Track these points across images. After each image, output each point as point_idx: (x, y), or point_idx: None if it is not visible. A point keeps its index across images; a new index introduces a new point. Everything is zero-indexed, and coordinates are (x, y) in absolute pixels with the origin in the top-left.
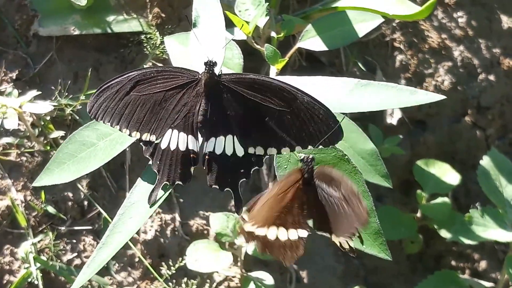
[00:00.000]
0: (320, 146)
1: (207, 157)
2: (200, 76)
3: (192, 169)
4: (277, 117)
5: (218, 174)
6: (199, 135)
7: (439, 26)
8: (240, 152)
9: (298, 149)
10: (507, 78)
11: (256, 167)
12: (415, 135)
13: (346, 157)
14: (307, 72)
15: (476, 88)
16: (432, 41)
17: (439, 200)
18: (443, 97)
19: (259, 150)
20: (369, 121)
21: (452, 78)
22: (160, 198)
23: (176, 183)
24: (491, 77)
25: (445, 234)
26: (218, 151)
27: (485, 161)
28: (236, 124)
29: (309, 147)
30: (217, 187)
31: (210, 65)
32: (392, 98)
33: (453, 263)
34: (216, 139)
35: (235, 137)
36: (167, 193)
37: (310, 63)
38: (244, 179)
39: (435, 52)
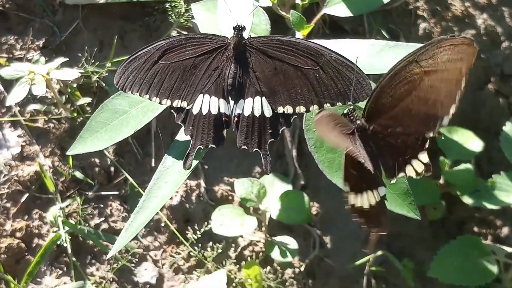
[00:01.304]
0: (349, 103)
1: (235, 119)
2: (229, 41)
3: (224, 132)
4: (305, 75)
5: (246, 135)
6: (230, 98)
7: None
8: (268, 112)
9: (327, 106)
10: None
11: (284, 127)
12: None
13: None
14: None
15: (499, 56)
16: (456, 9)
17: (462, 166)
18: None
19: (288, 109)
20: None
21: (476, 46)
22: (194, 162)
23: (209, 146)
24: None
25: (467, 200)
26: (247, 113)
27: (508, 127)
28: (265, 85)
29: (338, 103)
30: (246, 147)
31: (239, 29)
32: None
33: (475, 229)
34: (245, 101)
35: (263, 98)
36: (200, 159)
37: (334, 31)
38: (272, 139)
39: (459, 20)
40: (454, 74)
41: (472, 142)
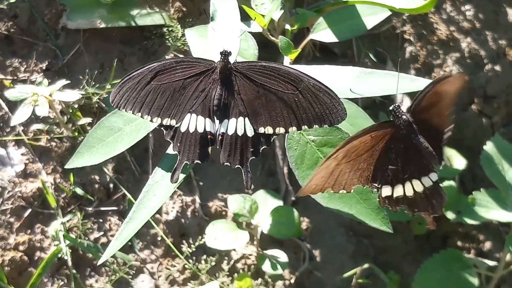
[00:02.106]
0: (325, 126)
1: (220, 137)
2: (216, 65)
3: (209, 149)
4: (285, 99)
5: (229, 152)
6: (215, 118)
7: (447, 18)
8: (250, 132)
9: (304, 128)
10: None
11: (265, 146)
12: None
13: None
14: (320, 63)
15: (482, 78)
16: (441, 33)
17: (446, 183)
18: None
19: (268, 130)
20: (380, 109)
21: (460, 69)
22: (181, 176)
23: (195, 161)
24: (497, 68)
25: (450, 215)
26: (230, 132)
27: (489, 147)
28: (248, 107)
29: (315, 126)
30: (228, 164)
31: (225, 54)
32: (394, 85)
33: (459, 243)
34: (229, 121)
35: (246, 118)
36: (187, 174)
37: (324, 54)
38: (253, 157)
39: (444, 43)
40: (449, 99)
41: (456, 160)
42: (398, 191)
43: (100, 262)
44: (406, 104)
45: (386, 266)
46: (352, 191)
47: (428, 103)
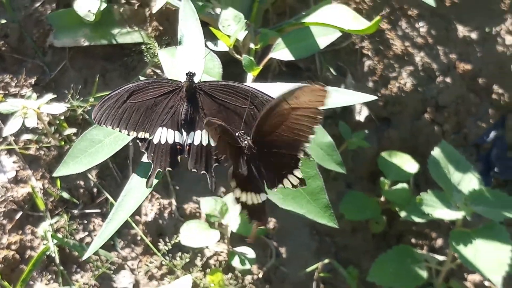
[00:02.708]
0: None
1: (187, 147)
2: (182, 84)
3: (179, 157)
4: (243, 113)
5: (196, 160)
6: (183, 131)
7: (402, 35)
8: (213, 142)
9: None
10: (462, 81)
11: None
12: (381, 130)
13: None
14: (286, 77)
15: (434, 89)
16: (396, 48)
17: (400, 186)
18: (374, 97)
19: None
20: (340, 118)
21: (414, 81)
22: (155, 182)
23: (167, 169)
24: (448, 80)
25: (402, 214)
26: (196, 142)
27: (436, 152)
28: None
29: None
30: (195, 170)
31: (190, 75)
32: (338, 99)
33: (412, 240)
34: (195, 133)
35: None
36: (163, 180)
37: (290, 69)
38: (216, 164)
39: (399, 58)
40: (313, 111)
41: (409, 164)
42: (243, 196)
43: (84, 257)
44: (364, 114)
45: (346, 262)
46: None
47: (275, 123)
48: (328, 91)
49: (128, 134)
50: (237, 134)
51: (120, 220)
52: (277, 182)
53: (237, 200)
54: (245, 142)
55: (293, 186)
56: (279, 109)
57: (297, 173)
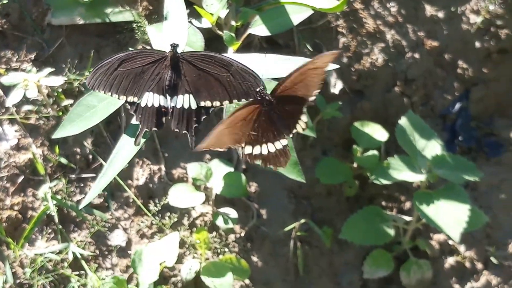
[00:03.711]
0: (250, 99)
1: (171, 110)
2: (167, 54)
3: (163, 119)
4: (220, 79)
5: (178, 121)
6: (167, 95)
7: (374, 14)
8: (193, 105)
9: (235, 102)
10: (429, 56)
11: (205, 116)
12: (355, 102)
13: None
14: (266, 52)
15: (404, 64)
16: (369, 27)
17: (370, 153)
18: (337, 66)
19: (208, 103)
20: None
21: (385, 56)
22: (142, 141)
23: (153, 129)
24: (416, 55)
25: (372, 177)
26: (179, 105)
27: (403, 121)
28: (192, 86)
29: (243, 99)
30: (177, 130)
31: (173, 46)
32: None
33: (383, 203)
34: (177, 97)
35: (190, 95)
36: (150, 143)
37: (270, 45)
38: (196, 125)
39: (371, 35)
40: (318, 75)
41: (379, 133)
42: (257, 150)
43: (81, 206)
44: (338, 86)
45: (322, 222)
46: (224, 149)
47: (296, 81)
48: (337, 53)
49: (118, 98)
50: (257, 90)
51: (111, 174)
52: (292, 128)
53: (249, 155)
54: (266, 97)
55: (302, 129)
56: (304, 68)
57: (304, 117)
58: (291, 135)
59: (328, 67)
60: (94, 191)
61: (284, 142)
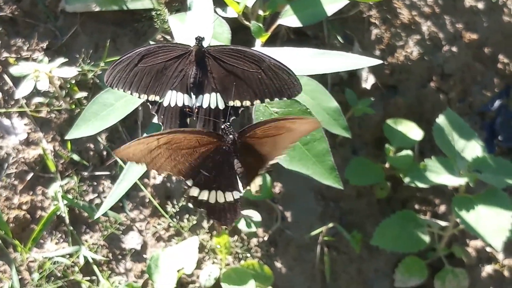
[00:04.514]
0: (284, 99)
1: (196, 110)
2: (192, 49)
3: (188, 120)
4: (250, 77)
5: (204, 122)
6: (192, 94)
7: (410, 4)
8: (221, 105)
9: (267, 101)
10: (467, 49)
11: (234, 117)
12: (387, 98)
13: (309, 110)
14: (294, 44)
15: (440, 58)
16: (404, 17)
17: (404, 153)
18: (379, 61)
19: (237, 103)
20: (347, 86)
21: (420, 49)
22: None
23: None
24: (454, 49)
25: (406, 180)
26: (205, 105)
27: (441, 119)
28: (219, 84)
29: (276, 99)
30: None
31: (199, 40)
32: (341, 63)
33: (416, 206)
34: (203, 96)
35: (217, 94)
36: None
37: (298, 36)
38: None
39: (406, 27)
40: (291, 139)
41: (414, 131)
42: (204, 195)
43: (96, 216)
44: (370, 81)
45: (351, 226)
46: (162, 175)
47: (267, 132)
48: (319, 125)
49: (139, 97)
50: (222, 126)
51: (130, 181)
52: (248, 182)
53: (194, 199)
54: (230, 135)
55: (255, 192)
56: (281, 123)
57: (258, 181)
58: (243, 191)
59: (305, 134)
60: (111, 199)
61: (236, 195)
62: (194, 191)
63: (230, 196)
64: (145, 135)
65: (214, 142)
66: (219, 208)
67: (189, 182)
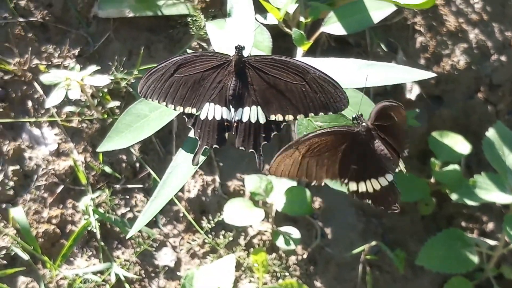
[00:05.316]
0: (330, 113)
1: (235, 124)
2: (231, 58)
3: (226, 134)
4: (294, 89)
5: (244, 138)
6: (231, 107)
7: (456, 11)
8: (262, 119)
9: (311, 115)
10: None
11: (275, 132)
12: (433, 109)
13: None
14: (335, 53)
15: (488, 68)
16: (450, 25)
17: (451, 167)
18: (433, 74)
19: (279, 117)
20: (390, 96)
21: (467, 59)
22: (201, 159)
23: (214, 146)
24: (503, 58)
25: (454, 196)
26: (245, 119)
27: (491, 133)
28: (260, 96)
29: (321, 113)
30: (243, 148)
31: (239, 49)
32: (391, 76)
33: (463, 224)
34: (243, 109)
35: (258, 107)
36: (207, 156)
37: (339, 44)
38: (265, 142)
39: (452, 34)
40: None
41: (461, 145)
42: (362, 187)
43: (128, 235)
44: (415, 92)
45: (394, 244)
46: (323, 183)
47: (384, 117)
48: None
49: (174, 109)
50: (353, 116)
51: (165, 198)
52: (396, 160)
53: (356, 193)
54: (363, 123)
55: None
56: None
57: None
58: (397, 170)
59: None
60: (145, 216)
61: (389, 177)
62: (353, 186)
63: (383, 181)
64: (181, 151)
65: (349, 136)
66: (379, 195)
67: (344, 180)
